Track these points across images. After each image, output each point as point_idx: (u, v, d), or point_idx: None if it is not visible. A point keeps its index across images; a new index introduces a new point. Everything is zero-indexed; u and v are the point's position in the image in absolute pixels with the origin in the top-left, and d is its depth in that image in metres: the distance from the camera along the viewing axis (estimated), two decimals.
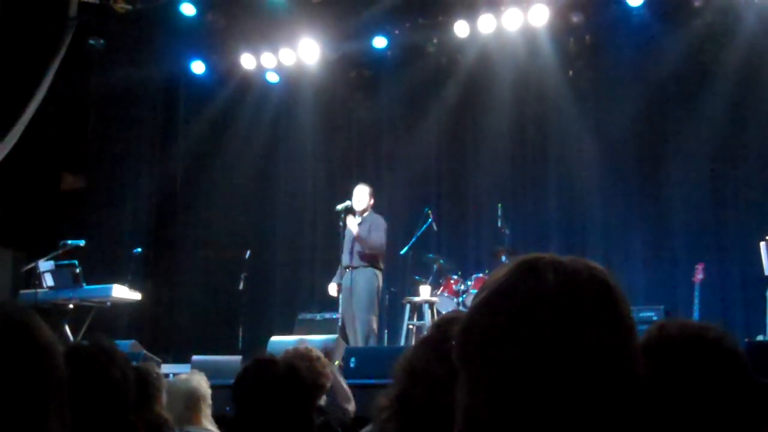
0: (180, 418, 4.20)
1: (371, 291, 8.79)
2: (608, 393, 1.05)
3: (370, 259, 8.87)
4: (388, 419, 1.72)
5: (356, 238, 8.79)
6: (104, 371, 2.26)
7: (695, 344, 1.68)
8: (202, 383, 4.47)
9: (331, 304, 9.50)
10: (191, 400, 4.37)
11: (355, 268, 8.82)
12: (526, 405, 1.04)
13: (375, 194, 9.17)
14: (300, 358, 4.06)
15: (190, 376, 4.61)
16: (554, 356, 1.04)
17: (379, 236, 8.87)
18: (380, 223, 8.98)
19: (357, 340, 8.60)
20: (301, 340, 6.98)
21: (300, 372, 2.78)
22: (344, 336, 8.62)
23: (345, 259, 8.87)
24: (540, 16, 10.45)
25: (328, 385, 4.54)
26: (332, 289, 9.08)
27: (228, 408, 4.43)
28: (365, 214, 8.98)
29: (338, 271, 9.05)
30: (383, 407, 1.74)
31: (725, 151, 9.98)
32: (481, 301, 1.11)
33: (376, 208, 9.20)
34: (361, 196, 8.95)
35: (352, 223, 8.80)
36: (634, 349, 1.11)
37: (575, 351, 1.05)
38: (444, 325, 1.85)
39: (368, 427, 2.68)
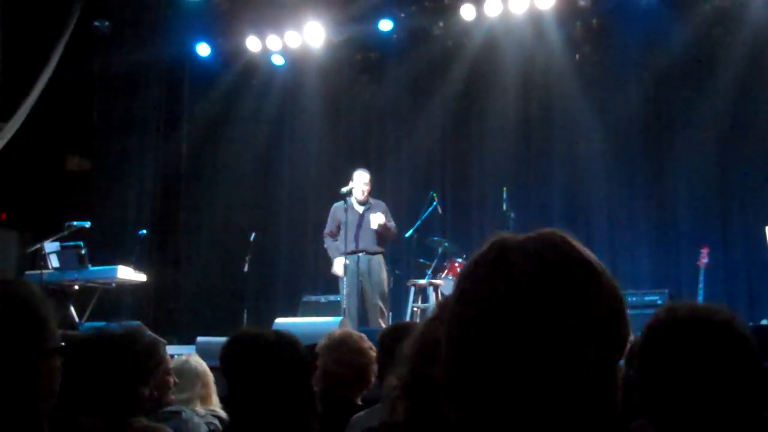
0: (187, 399, 4.21)
1: (386, 276, 8.96)
2: (578, 383, 1.03)
3: (383, 244, 8.99)
4: (399, 398, 1.72)
5: (385, 230, 8.83)
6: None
7: (704, 326, 1.68)
8: (202, 363, 4.49)
9: (336, 286, 9.51)
10: (198, 380, 4.38)
11: (373, 253, 8.86)
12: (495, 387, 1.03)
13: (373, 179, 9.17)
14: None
15: (188, 357, 4.61)
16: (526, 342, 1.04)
17: (392, 222, 9.02)
18: (386, 207, 9.06)
19: (373, 323, 8.64)
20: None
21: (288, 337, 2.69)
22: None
23: (356, 243, 8.80)
24: (546, 0, 10.40)
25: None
26: (339, 266, 9.01)
27: None
28: (370, 200, 8.99)
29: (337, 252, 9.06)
30: (394, 386, 1.74)
31: (731, 135, 9.95)
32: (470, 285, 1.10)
33: (378, 191, 9.23)
34: (366, 180, 8.94)
35: (377, 218, 8.78)
36: (613, 332, 1.08)
37: (547, 335, 1.04)
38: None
39: (377, 406, 2.68)
